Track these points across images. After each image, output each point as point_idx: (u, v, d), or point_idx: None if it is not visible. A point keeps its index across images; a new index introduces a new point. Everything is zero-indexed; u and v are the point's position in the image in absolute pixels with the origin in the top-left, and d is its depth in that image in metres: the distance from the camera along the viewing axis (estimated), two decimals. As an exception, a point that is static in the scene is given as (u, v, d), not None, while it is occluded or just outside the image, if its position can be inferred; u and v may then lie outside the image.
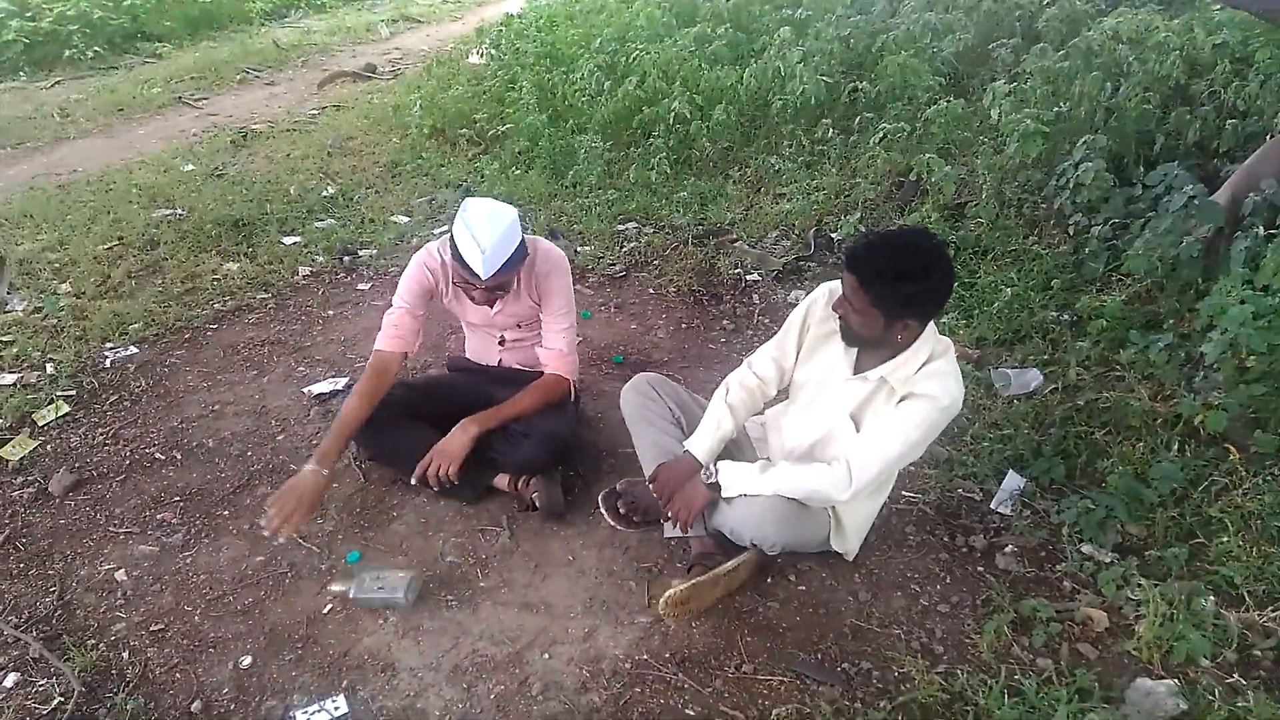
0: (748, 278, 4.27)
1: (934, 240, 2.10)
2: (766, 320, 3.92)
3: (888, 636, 2.31)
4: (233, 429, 3.29)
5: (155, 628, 2.43)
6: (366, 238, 4.92)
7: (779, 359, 2.49)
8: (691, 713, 2.13)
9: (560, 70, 6.35)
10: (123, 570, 2.64)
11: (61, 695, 2.22)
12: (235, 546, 2.72)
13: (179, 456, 3.15)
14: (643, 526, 2.62)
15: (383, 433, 2.84)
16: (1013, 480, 2.75)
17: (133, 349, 3.83)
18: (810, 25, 6.06)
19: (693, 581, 2.32)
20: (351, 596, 2.45)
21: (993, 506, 2.71)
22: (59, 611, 2.50)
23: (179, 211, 5.20)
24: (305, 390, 3.51)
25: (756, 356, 2.54)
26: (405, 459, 2.84)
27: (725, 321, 3.96)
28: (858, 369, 2.29)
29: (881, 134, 4.85)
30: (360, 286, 4.41)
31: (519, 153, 5.89)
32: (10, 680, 2.28)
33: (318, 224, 5.09)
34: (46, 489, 2.99)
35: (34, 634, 2.41)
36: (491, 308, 2.81)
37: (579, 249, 4.62)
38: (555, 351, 2.87)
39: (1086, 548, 2.49)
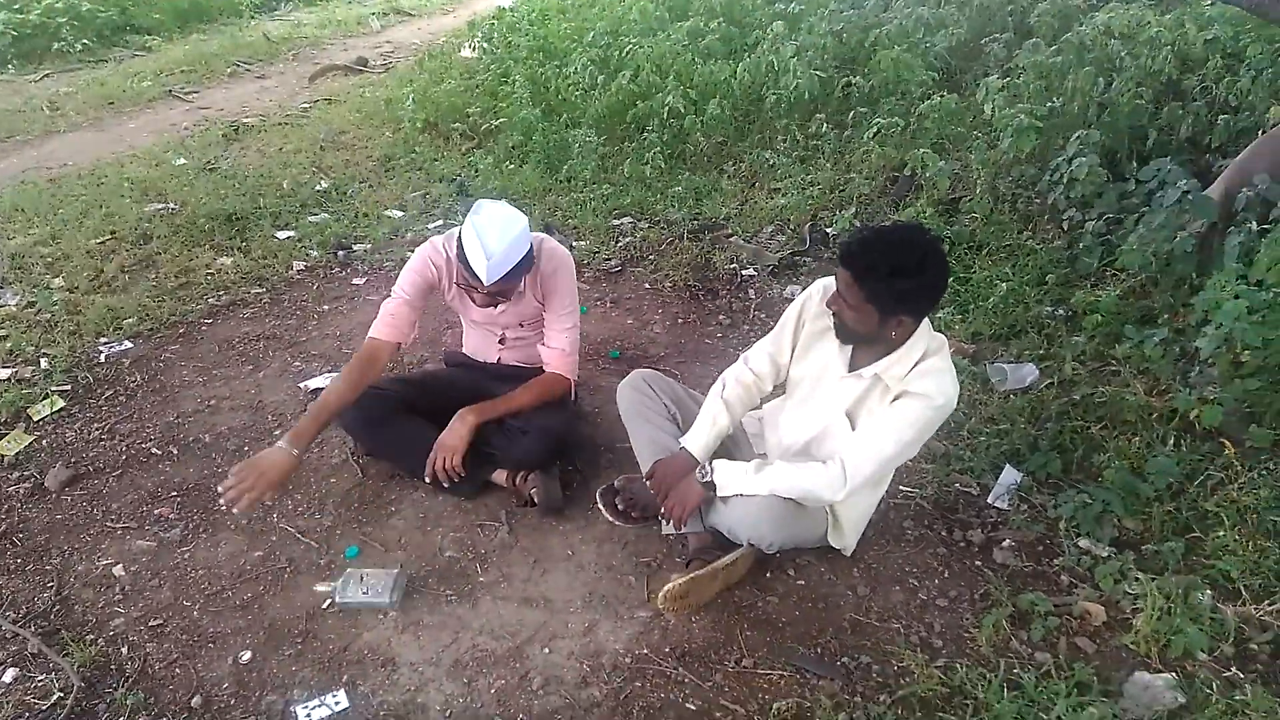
0: (743, 273, 4.28)
1: (928, 236, 2.10)
2: (762, 315, 3.93)
3: (887, 631, 2.32)
4: (229, 424, 3.28)
5: (154, 623, 2.42)
6: (360, 232, 4.90)
7: (774, 355, 2.50)
8: (692, 707, 2.14)
9: (553, 64, 6.34)
10: (120, 565, 2.63)
11: (61, 690, 2.21)
12: (233, 542, 2.71)
13: (175, 451, 3.14)
14: (641, 522, 2.63)
15: (380, 428, 2.84)
16: (1010, 475, 2.77)
17: (127, 344, 3.82)
18: (803, 19, 6.06)
19: (691, 575, 2.33)
20: (336, 599, 2.45)
21: (990, 501, 2.73)
22: (57, 607, 2.49)
23: (171, 205, 5.17)
24: (301, 385, 3.50)
25: (752, 352, 2.54)
26: (403, 454, 2.85)
27: (721, 316, 3.97)
28: (852, 366, 2.29)
29: (875, 129, 4.86)
30: (355, 281, 4.40)
31: (513, 147, 5.88)
32: (9, 676, 2.27)
33: (311, 218, 5.07)
34: (43, 484, 2.97)
35: (32, 629, 2.40)
36: (495, 308, 2.81)
37: (574, 244, 4.61)
38: (558, 351, 2.86)
39: (1084, 542, 2.50)
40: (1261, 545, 2.37)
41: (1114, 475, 2.62)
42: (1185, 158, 3.89)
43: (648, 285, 4.27)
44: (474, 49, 7.47)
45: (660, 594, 2.32)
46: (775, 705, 2.10)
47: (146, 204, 5.22)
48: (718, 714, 2.12)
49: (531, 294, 2.82)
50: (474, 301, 2.76)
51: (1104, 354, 3.23)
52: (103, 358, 3.72)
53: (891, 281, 2.04)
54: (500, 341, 2.99)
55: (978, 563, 2.53)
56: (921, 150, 4.40)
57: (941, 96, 4.80)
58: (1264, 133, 3.63)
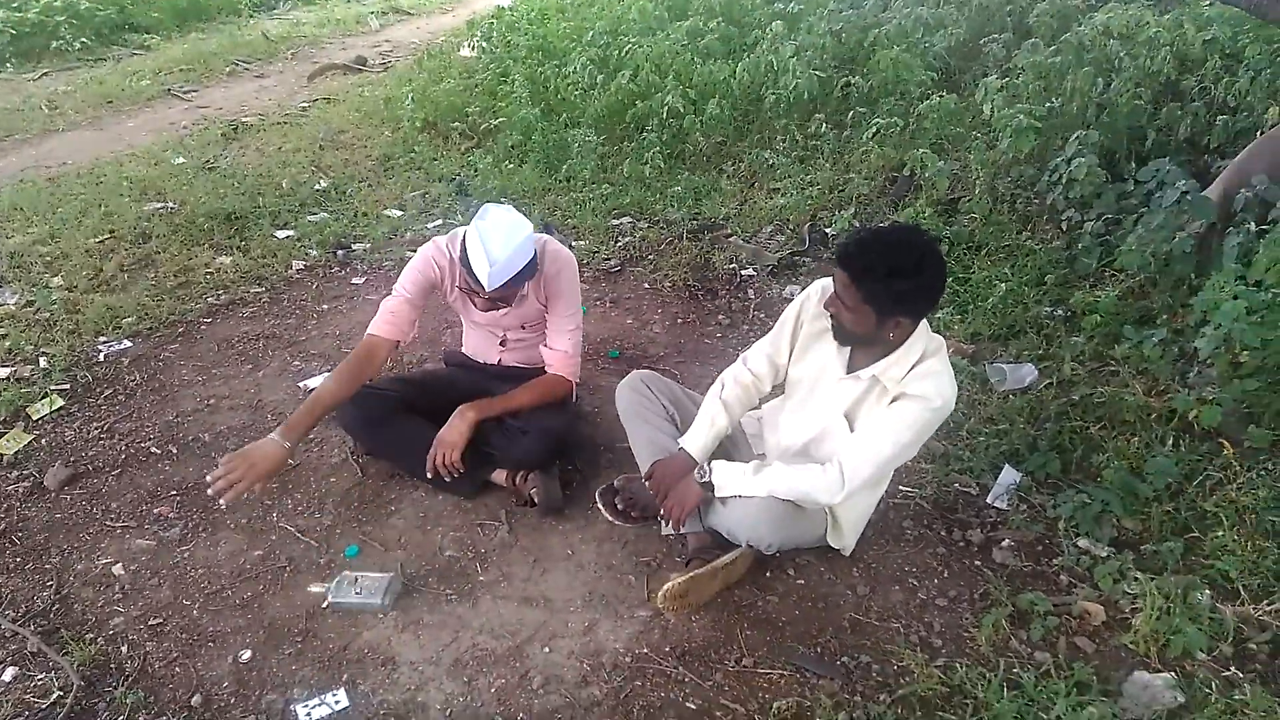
0: (743, 273, 4.28)
1: (926, 237, 2.10)
2: (762, 315, 3.93)
3: (886, 630, 2.32)
4: (228, 423, 3.28)
5: (154, 622, 2.42)
6: (360, 232, 4.90)
7: (773, 355, 2.50)
8: (692, 706, 2.14)
9: (552, 64, 6.33)
10: (120, 564, 2.63)
11: (61, 689, 2.21)
12: (233, 541, 2.71)
13: (175, 451, 3.14)
14: (640, 522, 2.63)
15: (380, 428, 2.84)
16: (1009, 475, 2.77)
17: (126, 343, 3.82)
18: (802, 19, 6.06)
19: (690, 575, 2.33)
20: (330, 599, 2.44)
21: (989, 501, 2.73)
22: (56, 606, 2.49)
23: (170, 205, 5.17)
24: (300, 385, 3.50)
25: (751, 353, 2.54)
26: (403, 454, 2.84)
27: (721, 316, 3.97)
28: (850, 368, 2.29)
29: (874, 129, 4.87)
30: (354, 281, 4.40)
31: (512, 147, 5.88)
32: (9, 674, 2.27)
33: (310, 217, 5.07)
34: (42, 483, 2.97)
35: (32, 628, 2.40)
36: (496, 311, 2.80)
37: (574, 243, 4.61)
38: (560, 353, 2.86)
39: (1083, 542, 2.50)
40: (1260, 545, 2.37)
41: (1113, 475, 2.62)
42: (1184, 158, 3.89)
43: (647, 285, 4.27)
44: (473, 48, 7.47)
45: (660, 593, 2.33)
46: (775, 704, 2.11)
47: (145, 203, 5.22)
48: (718, 713, 2.12)
49: (534, 296, 2.81)
50: (475, 305, 2.76)
51: (1103, 354, 3.23)
52: (102, 357, 3.71)
53: (889, 283, 2.04)
54: (501, 343, 2.99)
55: (977, 562, 2.53)
56: (920, 150, 4.41)
57: (940, 97, 4.81)
58: (1262, 133, 3.63)
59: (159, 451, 3.14)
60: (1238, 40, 4.16)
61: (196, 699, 2.19)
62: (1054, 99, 4.34)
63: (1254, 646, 2.17)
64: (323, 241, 4.75)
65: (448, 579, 2.55)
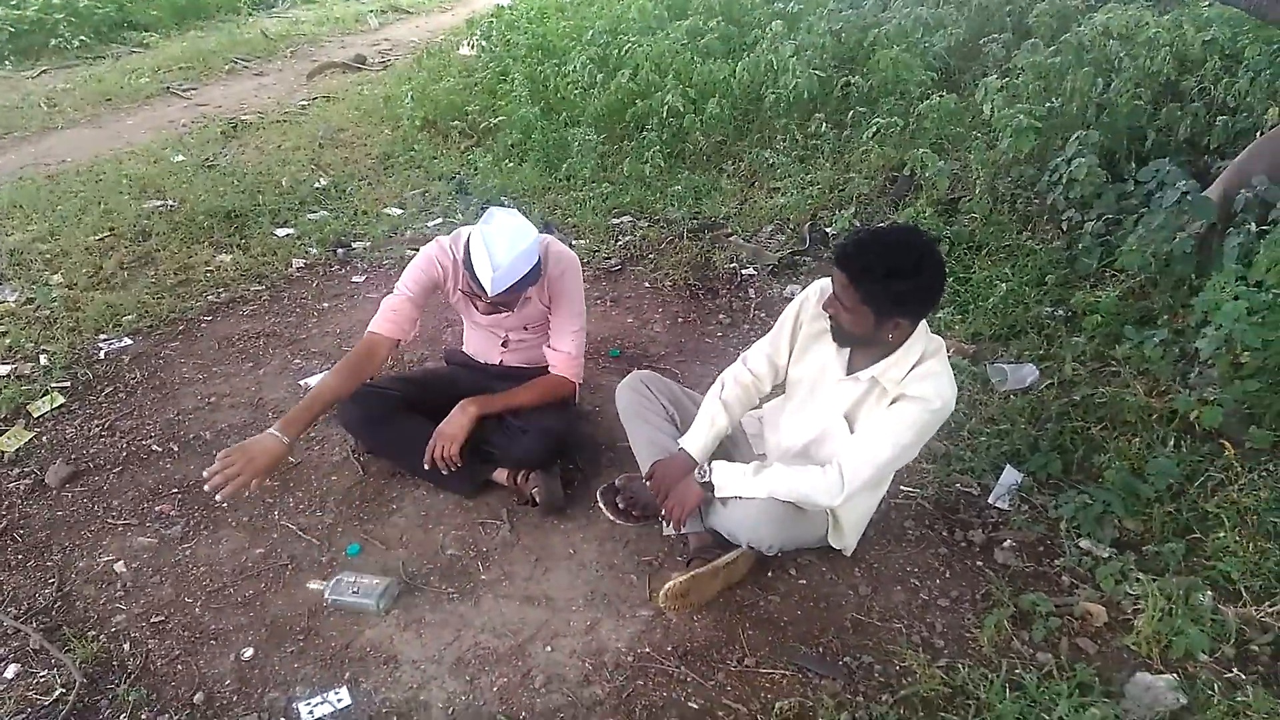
0: (743, 272, 4.29)
1: (924, 237, 2.10)
2: (762, 315, 3.93)
3: (888, 630, 2.33)
4: (229, 421, 3.28)
5: (156, 619, 2.42)
6: (360, 230, 4.90)
7: (772, 356, 2.50)
8: (694, 705, 2.14)
9: (552, 62, 6.33)
10: (122, 562, 2.63)
11: (63, 686, 2.21)
12: (234, 539, 2.71)
13: (176, 448, 3.14)
14: (642, 521, 2.63)
15: (381, 427, 2.84)
16: (1010, 475, 2.77)
17: (126, 340, 3.81)
18: (802, 19, 6.06)
19: (692, 574, 2.33)
20: (327, 597, 2.44)
21: (990, 501, 2.73)
22: (58, 603, 2.49)
23: (170, 202, 5.16)
24: (301, 383, 3.49)
25: (751, 352, 2.54)
26: (404, 453, 2.84)
27: (721, 316, 3.97)
28: (850, 369, 2.29)
29: (874, 128, 4.87)
30: (354, 279, 4.39)
31: (512, 145, 5.87)
32: (11, 671, 2.27)
33: (310, 216, 5.06)
34: (43, 480, 2.97)
35: (34, 625, 2.40)
36: (499, 314, 2.80)
37: (574, 242, 4.61)
38: (564, 355, 2.85)
39: (1084, 543, 2.51)
40: (1262, 547, 2.37)
41: (1114, 476, 2.63)
42: (1184, 159, 3.90)
43: (648, 284, 4.27)
44: (472, 47, 7.47)
45: (661, 592, 2.33)
46: (778, 704, 2.11)
47: (145, 201, 5.21)
48: (720, 713, 2.12)
49: (537, 298, 2.81)
50: (476, 309, 2.75)
51: (1104, 354, 3.24)
52: (102, 354, 3.71)
53: (887, 283, 2.03)
54: (503, 344, 2.99)
55: (979, 563, 2.53)
56: (921, 150, 4.41)
57: (940, 96, 4.81)
58: (1262, 134, 3.64)
59: (160, 449, 3.13)
60: (1237, 41, 4.17)
61: (199, 696, 2.19)
62: (1054, 99, 4.34)
63: (1256, 648, 2.17)
64: (323, 240, 4.75)
65: (449, 578, 2.55)
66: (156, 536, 2.73)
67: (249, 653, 2.31)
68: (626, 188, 5.21)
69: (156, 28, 10.34)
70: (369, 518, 2.78)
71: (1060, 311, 3.55)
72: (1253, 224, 3.12)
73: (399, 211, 5.14)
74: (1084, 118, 4.21)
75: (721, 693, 2.17)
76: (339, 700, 2.17)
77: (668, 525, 2.50)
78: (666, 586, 2.32)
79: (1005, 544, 2.57)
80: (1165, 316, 3.25)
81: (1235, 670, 2.12)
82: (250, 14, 11.39)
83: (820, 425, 2.37)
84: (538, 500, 2.73)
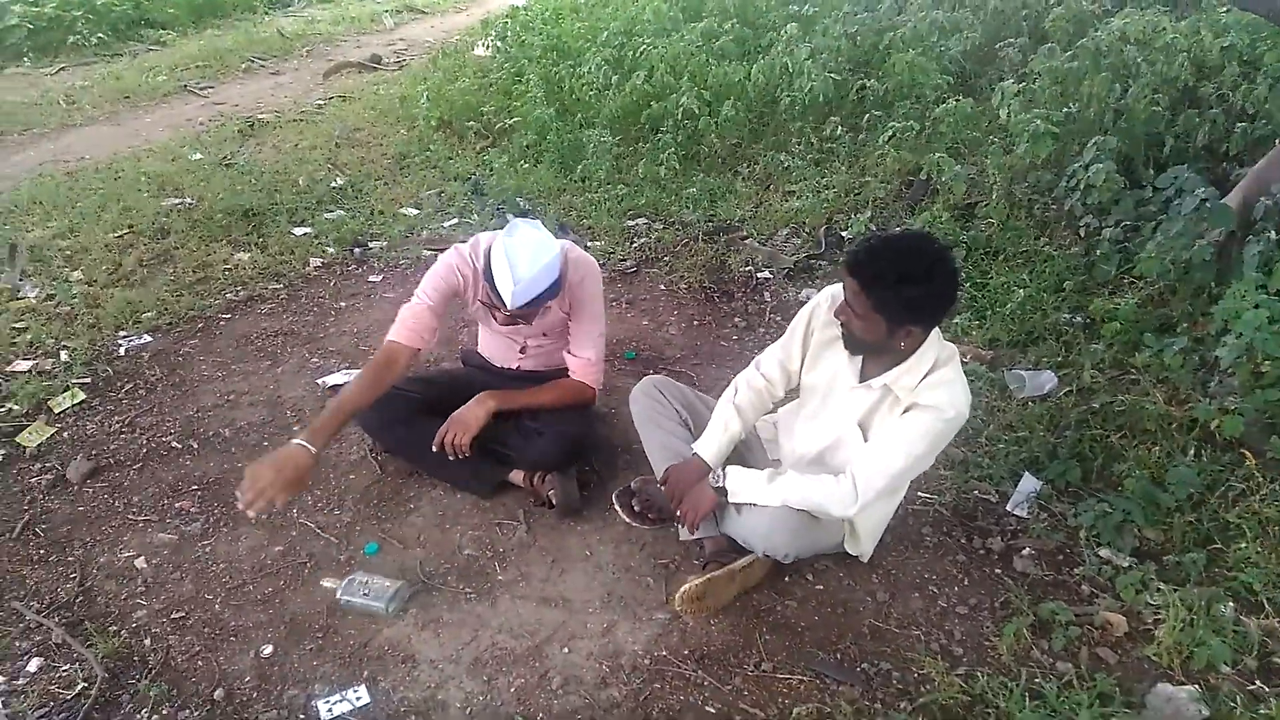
0: (759, 275, 4.29)
1: (937, 244, 2.07)
2: (778, 318, 3.93)
3: (907, 637, 2.32)
4: (248, 419, 3.30)
5: (176, 615, 2.44)
6: (376, 230, 4.91)
7: (784, 362, 2.49)
8: (711, 710, 2.14)
9: (567, 64, 6.33)
10: (142, 558, 2.65)
11: (85, 680, 2.23)
12: (254, 536, 2.72)
13: (195, 445, 3.16)
14: (657, 524, 2.64)
15: (399, 427, 2.85)
16: (1028, 483, 2.77)
17: (146, 337, 3.84)
18: (817, 22, 6.06)
19: (708, 577, 2.34)
20: (338, 597, 2.45)
21: (1009, 509, 2.73)
22: (80, 598, 2.51)
23: (188, 200, 5.19)
24: (319, 381, 3.51)
25: (764, 357, 2.54)
26: (421, 453, 2.83)
27: (737, 319, 3.97)
28: (862, 376, 2.28)
29: (890, 132, 4.87)
30: (371, 278, 4.41)
31: (527, 146, 5.89)
32: (34, 665, 2.29)
33: (327, 215, 5.08)
34: (64, 476, 2.99)
35: (56, 620, 2.42)
36: (517, 325, 2.80)
37: (589, 244, 4.62)
38: (584, 360, 2.85)
39: (1104, 552, 2.50)
40: (1284, 557, 2.36)
41: (1134, 485, 2.62)
42: (1202, 165, 3.89)
43: (663, 286, 4.28)
44: (488, 47, 7.48)
45: (677, 595, 2.34)
46: (795, 710, 2.11)
47: (163, 198, 5.24)
48: (737, 718, 2.13)
49: (557, 305, 2.79)
50: (495, 319, 2.76)
51: (1123, 362, 3.23)
52: (122, 351, 3.73)
53: (899, 290, 2.01)
54: (521, 350, 2.99)
55: (997, 570, 2.53)
56: (937, 154, 4.40)
57: (957, 101, 4.80)
58: (1281, 142, 3.63)
59: (180, 446, 3.15)
60: (1256, 47, 4.16)
61: (219, 693, 2.21)
62: (1071, 104, 4.33)
63: (1279, 660, 2.16)
64: (340, 239, 4.77)
65: (467, 578, 2.56)
66: (177, 533, 2.75)
67: (268, 650, 2.33)
68: (641, 190, 5.22)
69: (174, 26, 10.38)
70: (387, 517, 2.80)
71: (1078, 318, 3.54)
72: (1273, 232, 3.10)
73: (415, 211, 5.15)
74: (1101, 123, 4.19)
75: (739, 697, 2.17)
76: (357, 698, 2.19)
77: (683, 529, 2.50)
78: (683, 589, 2.33)
79: (1024, 552, 2.56)
80: (1185, 324, 3.23)
81: (1258, 682, 2.11)
82: (267, 13, 11.41)
83: (834, 433, 2.36)
84: (554, 502, 2.74)
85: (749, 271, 4.32)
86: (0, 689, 2.23)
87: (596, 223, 4.89)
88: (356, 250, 4.67)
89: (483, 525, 2.76)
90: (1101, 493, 2.69)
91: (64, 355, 3.67)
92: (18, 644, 2.36)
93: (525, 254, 2.46)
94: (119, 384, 3.52)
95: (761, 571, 2.46)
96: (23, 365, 3.60)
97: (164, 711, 2.16)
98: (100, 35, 9.60)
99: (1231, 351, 2.74)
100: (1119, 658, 2.23)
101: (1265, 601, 2.28)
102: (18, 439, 3.16)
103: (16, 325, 3.89)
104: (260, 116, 7.10)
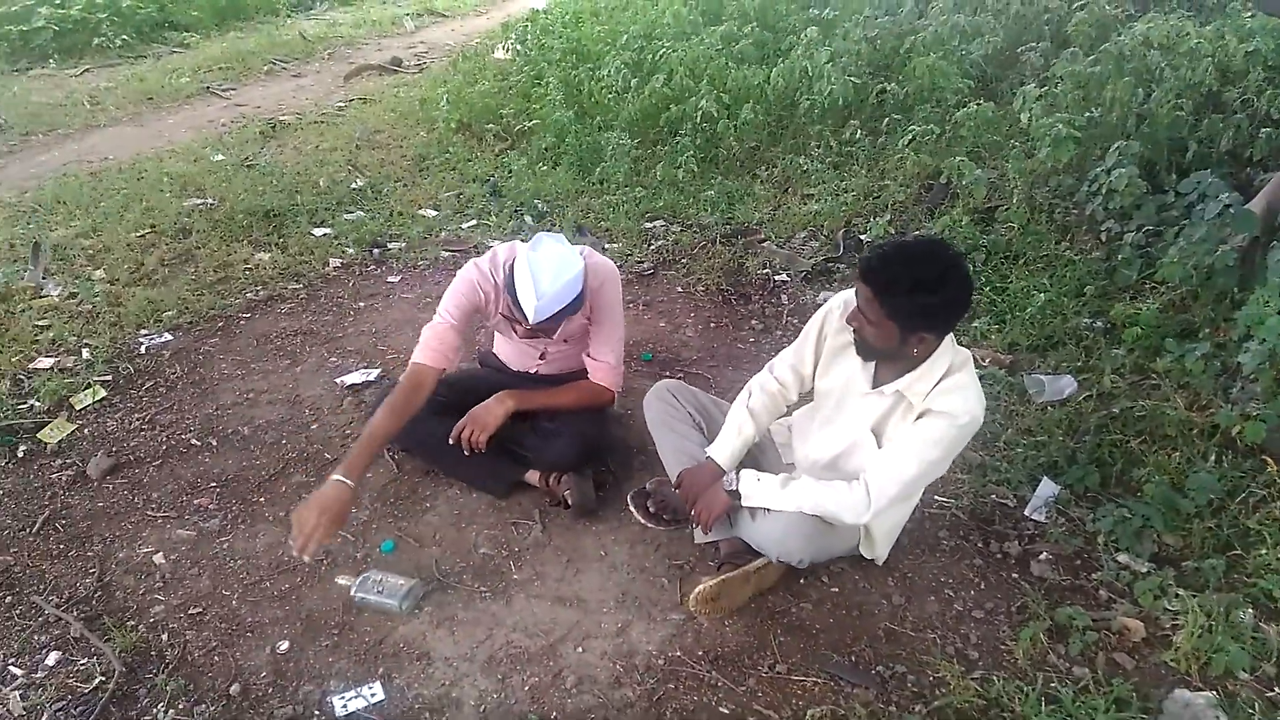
0: (776, 278, 4.28)
1: (950, 250, 2.06)
2: (795, 321, 3.92)
3: (922, 641, 2.31)
4: (267, 417, 3.32)
5: (194, 611, 2.46)
6: (395, 231, 4.94)
7: (797, 366, 2.49)
8: (725, 711, 2.14)
9: (586, 67, 6.35)
10: (161, 554, 2.67)
11: (102, 674, 2.26)
12: (271, 533, 2.74)
13: (214, 443, 3.18)
14: (672, 525, 2.64)
15: (417, 426, 2.84)
16: (1047, 487, 2.75)
17: (167, 336, 3.87)
18: (837, 25, 6.06)
19: (722, 578, 2.34)
20: (353, 594, 2.46)
21: (1027, 513, 2.71)
22: (99, 593, 2.53)
23: (210, 201, 5.24)
24: (338, 380, 3.53)
25: (777, 361, 2.54)
26: (438, 453, 2.85)
27: (754, 321, 3.97)
28: (875, 382, 2.27)
29: (910, 136, 4.85)
30: (390, 279, 4.43)
31: (545, 149, 5.90)
32: (52, 659, 2.31)
33: (347, 216, 5.12)
34: (85, 472, 3.02)
35: (75, 614, 2.44)
36: (536, 338, 2.79)
37: (606, 246, 4.63)
38: (604, 364, 2.85)
39: (1122, 557, 2.48)
40: (1305, 565, 2.33)
41: (1154, 490, 2.59)
42: (1225, 171, 3.85)
43: (680, 289, 4.28)
44: (507, 51, 7.52)
45: (691, 596, 2.34)
46: (809, 712, 2.10)
47: (185, 199, 5.29)
48: (751, 718, 2.12)
49: (579, 313, 2.78)
50: (516, 333, 2.76)
51: (1144, 367, 3.20)
52: (143, 349, 3.77)
53: (912, 297, 2.00)
54: (541, 356, 2.99)
55: (1014, 575, 2.51)
56: (958, 158, 4.38)
57: (978, 104, 4.78)
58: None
59: (199, 443, 3.18)
60: (1281, 53, 4.12)
61: (235, 688, 2.22)
62: (1093, 109, 4.29)
63: (1297, 667, 2.14)
64: (359, 240, 4.80)
65: (482, 576, 2.56)
66: (195, 529, 2.77)
67: (284, 646, 2.34)
68: (660, 192, 5.22)
69: (197, 28, 10.50)
70: (403, 515, 2.81)
71: (1099, 323, 3.51)
72: (1297, 238, 3.08)
73: (434, 213, 5.18)
74: (1124, 128, 4.16)
75: (752, 699, 2.17)
76: (372, 695, 2.19)
77: (698, 532, 2.50)
78: (697, 590, 2.33)
79: (1041, 557, 2.54)
80: (1207, 330, 3.20)
81: (1277, 689, 2.09)
82: (289, 16, 11.52)
83: (847, 439, 2.35)
84: (570, 502, 2.74)
85: (766, 274, 4.31)
86: (19, 682, 2.26)
87: (614, 225, 4.89)
88: (375, 251, 4.70)
89: (498, 524, 2.77)
90: (1120, 498, 2.67)
91: (86, 353, 3.71)
92: (37, 638, 2.39)
93: (549, 269, 2.46)
94: (140, 382, 3.55)
95: (776, 573, 2.45)
96: (45, 362, 3.64)
97: (180, 706, 2.18)
98: (124, 37, 9.72)
99: (1254, 358, 2.71)
100: (1136, 663, 2.21)
101: (1285, 608, 2.26)
102: (39, 435, 3.20)
103: (39, 323, 3.94)
104: (281, 118, 7.16)
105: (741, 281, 4.28)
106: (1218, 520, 2.54)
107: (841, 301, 2.34)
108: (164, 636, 2.38)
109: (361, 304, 4.19)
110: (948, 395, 2.13)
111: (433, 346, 2.66)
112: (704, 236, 4.72)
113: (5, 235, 4.81)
